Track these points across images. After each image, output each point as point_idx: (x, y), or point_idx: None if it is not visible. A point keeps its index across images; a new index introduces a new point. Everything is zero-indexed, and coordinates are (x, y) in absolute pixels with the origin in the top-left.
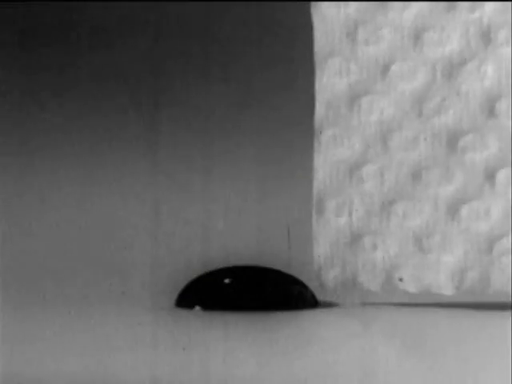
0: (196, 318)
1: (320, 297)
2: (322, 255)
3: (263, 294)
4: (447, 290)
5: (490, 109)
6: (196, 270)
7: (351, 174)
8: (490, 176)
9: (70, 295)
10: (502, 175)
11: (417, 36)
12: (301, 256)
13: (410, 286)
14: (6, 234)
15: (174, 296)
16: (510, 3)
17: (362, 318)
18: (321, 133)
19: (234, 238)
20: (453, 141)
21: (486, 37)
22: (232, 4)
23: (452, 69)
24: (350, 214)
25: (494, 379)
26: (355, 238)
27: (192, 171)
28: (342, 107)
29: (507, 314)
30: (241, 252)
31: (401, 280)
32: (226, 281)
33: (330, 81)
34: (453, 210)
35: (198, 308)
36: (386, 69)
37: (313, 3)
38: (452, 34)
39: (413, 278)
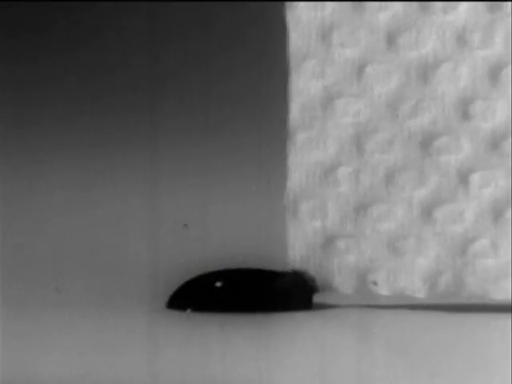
0: (189, 319)
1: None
2: (296, 258)
3: (255, 295)
4: (421, 293)
5: (464, 111)
6: (193, 272)
7: (326, 176)
8: (464, 178)
9: (70, 295)
10: (475, 178)
11: (392, 38)
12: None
13: (384, 289)
14: (6, 233)
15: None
16: (484, 5)
17: (353, 321)
18: (295, 135)
19: (232, 239)
20: (427, 143)
21: (461, 39)
22: (205, 4)
23: (427, 71)
24: (325, 217)
25: (494, 381)
26: (329, 241)
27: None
28: (317, 110)
29: (507, 315)
30: (237, 254)
31: (375, 283)
32: (218, 284)
33: (305, 83)
34: (427, 212)
35: (189, 310)
36: (361, 71)
37: (288, 4)
38: (427, 36)
39: (387, 281)
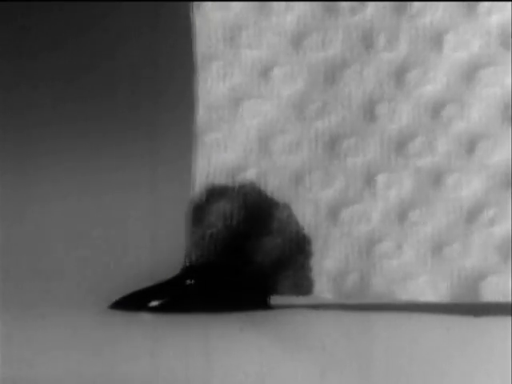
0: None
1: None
2: (191, 260)
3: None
4: (329, 293)
5: (370, 113)
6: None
7: (233, 178)
8: (370, 180)
9: (68, 295)
10: (381, 179)
11: (298, 40)
12: None
13: (291, 290)
14: (6, 233)
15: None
16: (390, 8)
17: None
18: (202, 136)
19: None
20: (334, 144)
21: (367, 41)
22: (112, 4)
23: (333, 73)
24: (231, 219)
25: (494, 381)
26: (233, 244)
27: None
28: (224, 111)
29: (507, 316)
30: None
31: (282, 284)
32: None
33: (212, 84)
34: (333, 213)
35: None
36: (267, 72)
37: (195, 4)
38: (334, 37)
39: (295, 282)
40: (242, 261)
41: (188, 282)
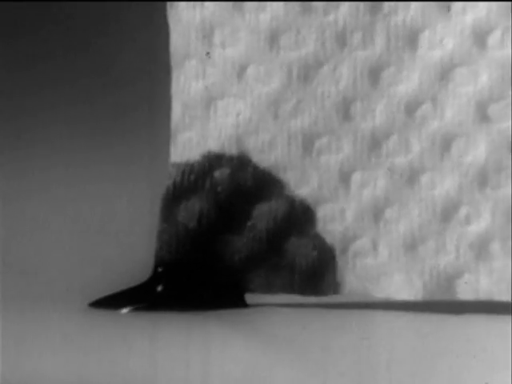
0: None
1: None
2: (164, 258)
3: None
4: (305, 291)
5: (344, 112)
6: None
7: (204, 177)
8: (345, 178)
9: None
10: (356, 177)
11: (273, 38)
12: None
13: (265, 289)
14: (6, 233)
15: None
16: (364, 7)
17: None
18: (177, 135)
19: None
20: (308, 143)
21: (341, 39)
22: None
23: (308, 71)
24: (201, 218)
25: (494, 381)
26: (203, 241)
27: None
28: (198, 110)
29: (507, 316)
30: None
31: (255, 282)
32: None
33: (187, 83)
34: (309, 212)
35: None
36: (242, 71)
37: (169, 4)
38: (308, 36)
39: (268, 280)
40: (213, 259)
41: (158, 288)
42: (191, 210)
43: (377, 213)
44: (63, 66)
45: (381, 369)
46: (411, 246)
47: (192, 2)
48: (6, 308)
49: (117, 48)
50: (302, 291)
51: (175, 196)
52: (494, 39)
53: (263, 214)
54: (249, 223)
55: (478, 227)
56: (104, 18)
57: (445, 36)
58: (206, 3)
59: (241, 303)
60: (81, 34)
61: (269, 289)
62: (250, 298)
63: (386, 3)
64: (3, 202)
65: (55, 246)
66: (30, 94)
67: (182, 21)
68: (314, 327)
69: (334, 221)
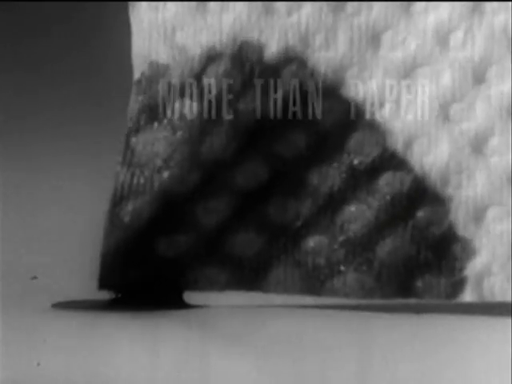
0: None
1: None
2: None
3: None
4: (250, 287)
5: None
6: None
7: (152, 179)
8: (302, 175)
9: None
10: (313, 176)
11: (235, 40)
12: None
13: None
14: (6, 233)
15: None
16: (327, 7)
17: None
18: (130, 137)
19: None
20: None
21: (305, 40)
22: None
23: (270, 73)
24: (147, 217)
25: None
26: (144, 239)
27: None
28: (160, 110)
29: (507, 317)
30: None
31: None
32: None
33: (148, 84)
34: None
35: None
36: (203, 74)
37: (131, 5)
38: (270, 37)
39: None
40: (152, 257)
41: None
42: (134, 208)
43: (334, 209)
44: (63, 66)
45: (381, 369)
46: (367, 243)
47: (154, 3)
48: (6, 308)
49: (117, 48)
50: (249, 287)
51: (123, 196)
52: (456, 39)
53: (209, 210)
54: (192, 221)
55: (438, 230)
56: (65, 20)
57: (407, 36)
58: (168, 4)
59: (180, 303)
60: (79, 34)
61: (212, 286)
62: (250, 298)
63: (349, 3)
64: (3, 202)
65: (55, 247)
66: (30, 94)
67: (144, 22)
68: (313, 327)
69: (286, 216)
